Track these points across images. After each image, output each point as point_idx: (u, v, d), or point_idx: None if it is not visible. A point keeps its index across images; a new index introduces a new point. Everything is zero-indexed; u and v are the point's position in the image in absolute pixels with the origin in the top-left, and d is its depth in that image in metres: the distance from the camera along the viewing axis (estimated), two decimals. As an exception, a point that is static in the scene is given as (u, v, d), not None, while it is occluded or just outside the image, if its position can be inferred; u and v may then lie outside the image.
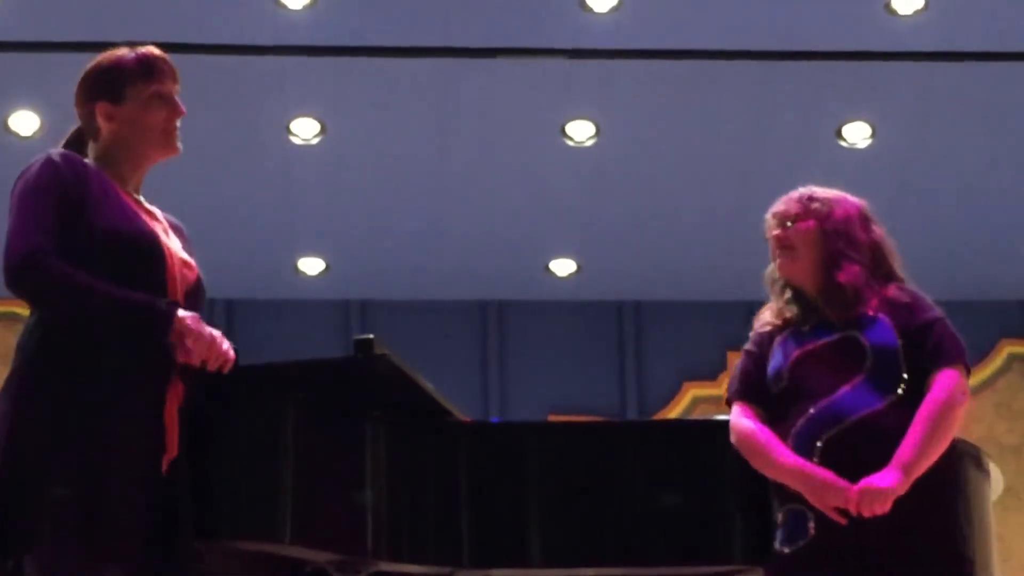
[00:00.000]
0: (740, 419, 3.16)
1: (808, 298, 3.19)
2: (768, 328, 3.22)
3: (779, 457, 3.06)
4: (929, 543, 2.99)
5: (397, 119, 6.98)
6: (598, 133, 7.11)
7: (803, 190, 3.25)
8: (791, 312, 3.19)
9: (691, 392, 8.09)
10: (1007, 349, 8.29)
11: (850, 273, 3.12)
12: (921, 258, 8.36)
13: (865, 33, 6.59)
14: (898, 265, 3.24)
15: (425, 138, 7.10)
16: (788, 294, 3.22)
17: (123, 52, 2.99)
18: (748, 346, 3.25)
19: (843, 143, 7.12)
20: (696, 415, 7.88)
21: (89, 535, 2.67)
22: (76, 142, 3.00)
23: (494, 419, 7.64)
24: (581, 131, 7.10)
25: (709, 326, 8.02)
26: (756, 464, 3.12)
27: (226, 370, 2.84)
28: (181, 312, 2.79)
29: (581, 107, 7.00)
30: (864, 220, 3.22)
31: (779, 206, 3.24)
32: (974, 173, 7.31)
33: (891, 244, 3.25)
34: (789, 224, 3.19)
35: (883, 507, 2.95)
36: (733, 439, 3.16)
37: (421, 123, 7.02)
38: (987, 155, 7.24)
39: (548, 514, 3.35)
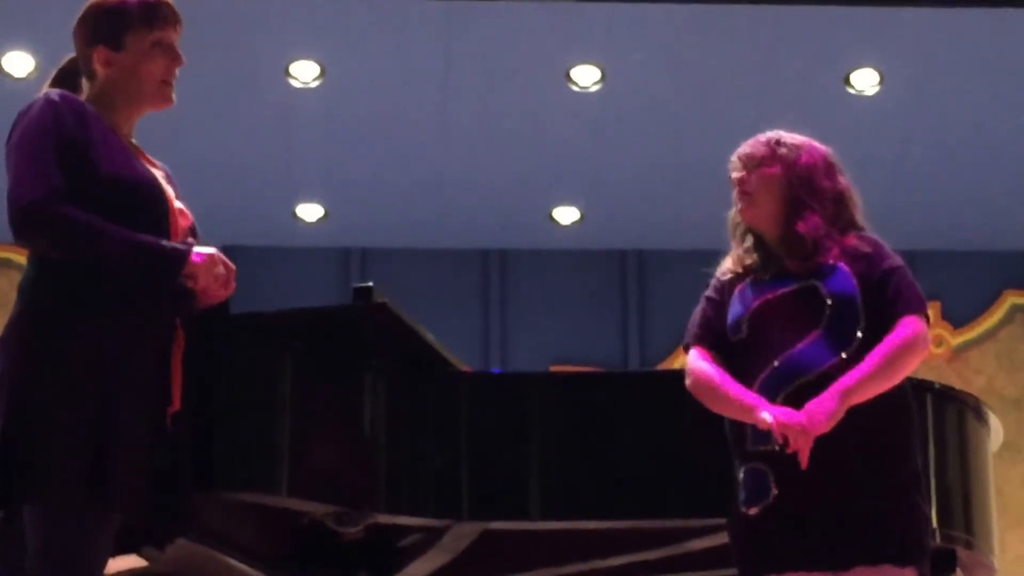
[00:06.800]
0: (696, 362, 3.10)
1: (768, 246, 3.15)
2: (728, 276, 3.16)
3: (734, 394, 3.02)
4: (889, 505, 2.95)
5: (399, 62, 6.92)
6: (603, 78, 7.05)
7: (771, 134, 3.18)
8: (751, 259, 3.14)
9: (694, 342, 8.07)
10: (1010, 299, 8.29)
11: (810, 223, 3.07)
12: (926, 206, 8.38)
13: (874, -22, 6.54)
14: (860, 214, 3.17)
15: (427, 82, 7.05)
16: (749, 240, 3.17)
17: None
18: (708, 292, 3.20)
19: (851, 90, 7.09)
20: (699, 365, 7.86)
21: (94, 484, 2.66)
22: (68, 76, 2.93)
23: (495, 370, 7.63)
24: (586, 76, 7.05)
25: (713, 275, 7.99)
26: (712, 405, 3.07)
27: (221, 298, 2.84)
28: (195, 250, 2.78)
29: (586, 51, 6.95)
30: (829, 168, 3.15)
31: (745, 148, 3.17)
32: (982, 121, 7.28)
33: (855, 193, 3.18)
34: (752, 168, 3.13)
35: (805, 442, 2.89)
36: (688, 382, 3.09)
37: (423, 67, 6.96)
38: (995, 103, 7.20)
39: (548, 466, 3.34)
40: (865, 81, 7.06)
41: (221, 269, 2.81)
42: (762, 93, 6.97)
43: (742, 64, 6.93)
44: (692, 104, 7.15)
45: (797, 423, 2.89)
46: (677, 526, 3.40)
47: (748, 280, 3.12)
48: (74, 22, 2.92)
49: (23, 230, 2.73)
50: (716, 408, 3.05)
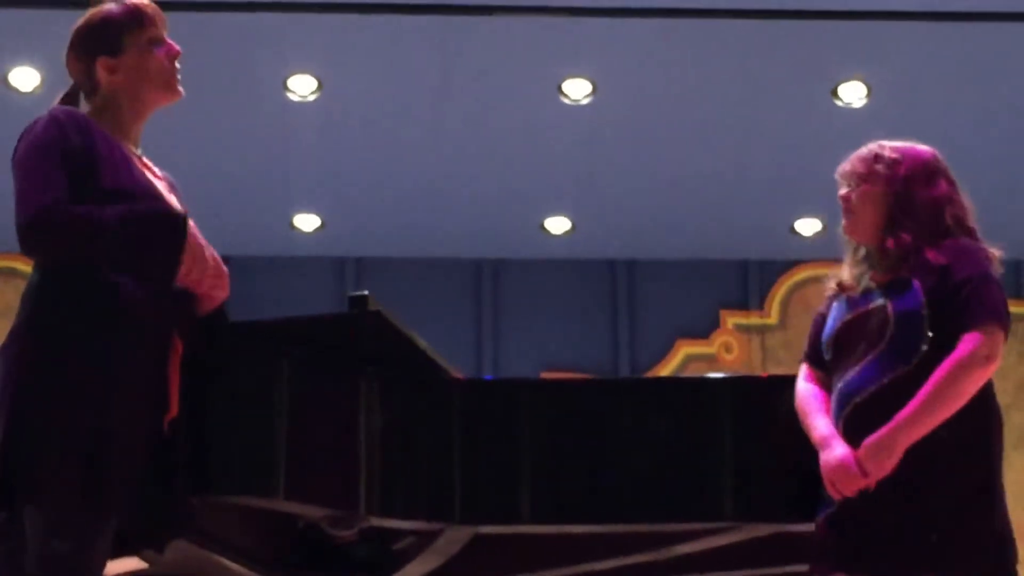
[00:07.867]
0: (799, 381, 3.21)
1: (871, 259, 3.18)
2: (831, 292, 3.22)
3: (811, 424, 3.10)
4: (931, 519, 2.96)
5: (394, 76, 6.97)
6: (595, 91, 7.10)
7: (873, 146, 3.21)
8: (848, 275, 3.18)
9: (683, 350, 8.11)
10: (1000, 309, 8.29)
11: (900, 240, 3.09)
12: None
13: (862, -8, 6.57)
14: (966, 217, 3.18)
15: (422, 95, 7.09)
16: (860, 253, 3.20)
17: (109, 7, 2.99)
18: (820, 307, 3.26)
19: (839, 102, 7.11)
20: (688, 373, 7.91)
21: (91, 488, 2.69)
22: (71, 101, 3.00)
23: (487, 376, 7.67)
24: (578, 89, 7.09)
25: (702, 284, 8.05)
26: (803, 426, 3.15)
27: (216, 296, 2.88)
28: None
29: (578, 65, 6.99)
30: (929, 175, 3.18)
31: (847, 165, 3.21)
32: (968, 133, 7.30)
33: (957, 196, 3.19)
34: (854, 185, 3.17)
35: (849, 488, 2.96)
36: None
37: (418, 80, 7.01)
38: (983, 115, 7.23)
39: (540, 471, 3.35)
40: (853, 94, 7.07)
41: (210, 261, 2.85)
42: (751, 106, 7.01)
43: (731, 77, 6.96)
44: (682, 117, 7.18)
45: (844, 473, 2.95)
46: (667, 530, 3.41)
47: (843, 297, 3.17)
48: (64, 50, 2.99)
49: (31, 239, 2.77)
50: (806, 432, 3.13)
